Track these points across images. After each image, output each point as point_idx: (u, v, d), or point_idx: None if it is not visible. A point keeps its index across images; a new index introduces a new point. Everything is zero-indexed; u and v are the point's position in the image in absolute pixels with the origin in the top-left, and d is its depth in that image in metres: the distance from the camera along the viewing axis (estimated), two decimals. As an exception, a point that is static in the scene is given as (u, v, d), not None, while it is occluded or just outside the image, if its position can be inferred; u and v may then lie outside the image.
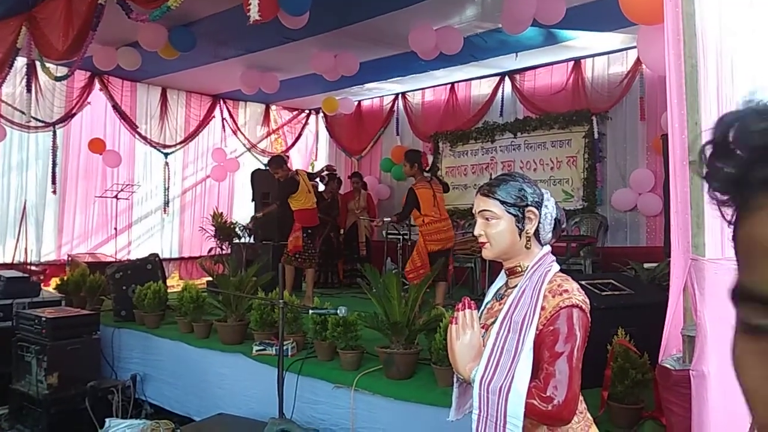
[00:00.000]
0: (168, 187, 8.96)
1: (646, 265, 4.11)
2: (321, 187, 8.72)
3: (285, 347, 3.50)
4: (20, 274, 5.52)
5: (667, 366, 1.94)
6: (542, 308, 1.52)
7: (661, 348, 2.04)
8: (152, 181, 8.88)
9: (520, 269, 1.64)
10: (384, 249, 6.96)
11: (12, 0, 5.55)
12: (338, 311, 3.10)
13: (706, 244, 1.86)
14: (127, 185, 8.23)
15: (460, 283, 6.71)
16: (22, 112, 7.00)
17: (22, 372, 4.49)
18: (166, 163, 8.94)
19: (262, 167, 8.94)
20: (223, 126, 9.66)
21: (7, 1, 5.56)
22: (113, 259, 7.64)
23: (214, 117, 9.52)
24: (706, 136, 0.48)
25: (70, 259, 7.55)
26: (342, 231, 8.49)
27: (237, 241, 8.07)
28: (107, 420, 4.05)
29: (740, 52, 1.98)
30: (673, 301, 1.97)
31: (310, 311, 3.45)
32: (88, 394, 4.33)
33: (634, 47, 6.45)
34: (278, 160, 6.64)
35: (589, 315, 1.55)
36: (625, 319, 2.80)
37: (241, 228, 8.10)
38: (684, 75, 1.95)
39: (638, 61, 6.87)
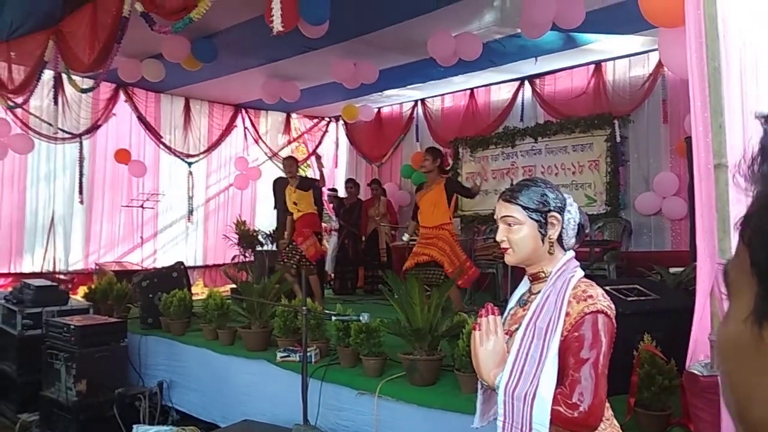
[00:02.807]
0: (192, 195, 9.08)
1: (671, 270, 4.05)
2: (343, 193, 8.81)
3: (308, 354, 3.52)
4: (49, 283, 5.62)
5: (695, 372, 1.92)
6: (567, 314, 1.52)
7: (688, 354, 2.02)
8: (177, 191, 9.01)
9: (543, 275, 1.64)
10: (405, 255, 6.95)
11: (39, 14, 5.69)
12: (361, 318, 3.11)
13: (733, 248, 1.84)
14: (152, 195, 8.36)
15: (482, 289, 6.67)
16: (50, 124, 7.15)
17: (51, 379, 4.57)
18: (190, 173, 9.06)
19: (284, 175, 9.01)
20: (245, 135, 9.77)
21: (35, 16, 5.71)
22: (139, 268, 7.75)
23: (236, 126, 9.63)
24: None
25: (97, 267, 7.68)
26: (363, 238, 8.52)
27: (260, 248, 8.14)
28: (135, 426, 4.11)
29: (763, 53, 1.95)
30: (700, 306, 1.95)
31: (333, 318, 3.47)
32: (116, 401, 4.40)
33: (656, 49, 6.39)
34: (295, 159, 6.98)
35: (614, 321, 1.54)
36: (651, 324, 2.76)
37: (264, 236, 8.18)
38: (707, 77, 1.93)
39: (660, 64, 6.78)
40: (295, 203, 6.38)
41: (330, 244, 9.00)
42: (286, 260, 6.20)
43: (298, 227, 6.34)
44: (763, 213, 0.42)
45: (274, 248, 8.00)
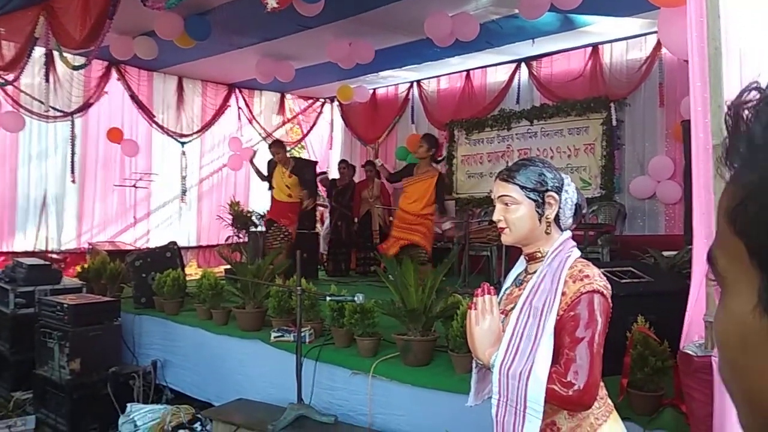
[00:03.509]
0: (185, 176, 9.03)
1: (665, 253, 4.07)
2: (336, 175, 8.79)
3: (303, 334, 3.52)
4: (42, 262, 5.60)
5: (689, 352, 1.93)
6: (563, 293, 1.52)
7: (682, 334, 2.03)
8: (170, 170, 8.95)
9: (540, 255, 1.64)
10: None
11: (30, -10, 5.60)
12: (355, 298, 3.11)
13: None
14: (145, 174, 8.30)
15: (476, 272, 6.68)
16: (41, 102, 7.08)
17: (45, 357, 4.57)
18: (183, 152, 9.00)
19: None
20: (239, 115, 9.69)
21: (25, -8, 5.61)
22: (132, 247, 7.72)
23: (229, 106, 9.54)
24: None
25: (90, 247, 7.65)
26: (356, 219, 8.51)
27: (254, 229, 8.12)
28: (129, 405, 4.13)
29: (764, 34, 1.94)
30: (695, 287, 1.95)
31: (328, 298, 3.47)
32: (110, 380, 4.40)
33: (654, 32, 6.36)
34: (282, 143, 6.96)
35: (610, 301, 1.54)
36: (645, 306, 2.78)
37: (258, 216, 8.16)
38: (707, 57, 1.91)
39: (657, 47, 6.77)
40: (288, 186, 6.43)
41: (323, 225, 8.99)
42: (274, 242, 6.34)
43: (284, 211, 6.45)
44: (756, 203, 0.42)
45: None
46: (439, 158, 5.96)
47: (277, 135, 10.00)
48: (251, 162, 7.46)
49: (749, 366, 0.44)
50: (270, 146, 7.01)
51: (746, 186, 0.43)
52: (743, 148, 0.44)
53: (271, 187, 7.11)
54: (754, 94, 0.45)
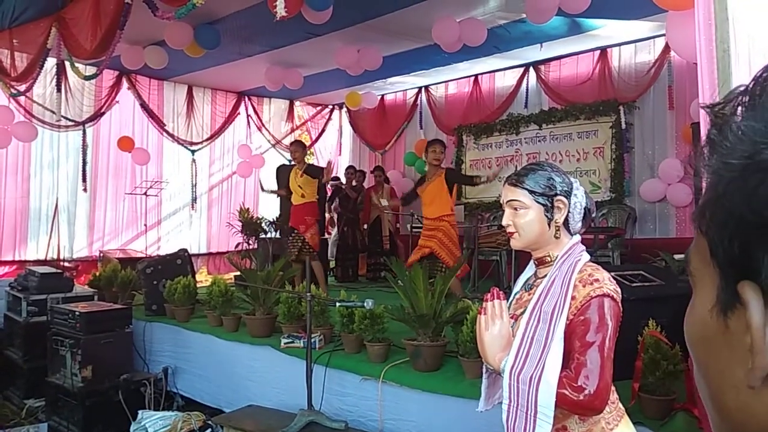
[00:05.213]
0: (195, 183, 9.09)
1: (676, 256, 4.04)
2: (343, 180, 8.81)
3: (313, 340, 3.53)
4: (54, 270, 5.64)
5: (701, 356, 1.91)
6: (573, 298, 1.51)
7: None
8: (180, 178, 9.01)
9: (549, 259, 1.63)
10: (409, 242, 6.95)
11: (42, 1, 5.67)
12: (365, 304, 3.11)
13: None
14: (155, 182, 8.36)
15: (485, 277, 6.67)
16: (53, 112, 7.16)
17: (57, 365, 4.60)
18: (193, 160, 9.06)
19: (287, 163, 9.01)
20: (248, 122, 9.75)
21: (37, 3, 5.68)
22: (143, 255, 7.76)
23: (239, 114, 9.61)
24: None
25: (101, 255, 7.70)
26: (366, 225, 8.52)
27: (263, 236, 8.15)
28: (140, 412, 4.15)
29: (774, 36, 1.92)
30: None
31: (338, 304, 3.47)
32: (122, 387, 4.43)
33: (662, 35, 6.34)
34: (303, 143, 6.83)
35: (620, 305, 1.53)
36: (656, 310, 2.76)
37: (267, 223, 8.19)
38: (716, 60, 1.90)
39: (666, 49, 6.75)
40: (300, 187, 6.31)
41: (332, 231, 9.00)
42: (291, 248, 6.22)
43: (301, 215, 6.28)
44: (717, 205, 0.42)
45: (278, 236, 8.00)
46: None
47: (287, 142, 10.04)
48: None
49: (711, 366, 0.44)
50: (291, 144, 6.96)
51: (709, 189, 0.43)
52: (708, 151, 0.44)
53: (280, 195, 7.09)
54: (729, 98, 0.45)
